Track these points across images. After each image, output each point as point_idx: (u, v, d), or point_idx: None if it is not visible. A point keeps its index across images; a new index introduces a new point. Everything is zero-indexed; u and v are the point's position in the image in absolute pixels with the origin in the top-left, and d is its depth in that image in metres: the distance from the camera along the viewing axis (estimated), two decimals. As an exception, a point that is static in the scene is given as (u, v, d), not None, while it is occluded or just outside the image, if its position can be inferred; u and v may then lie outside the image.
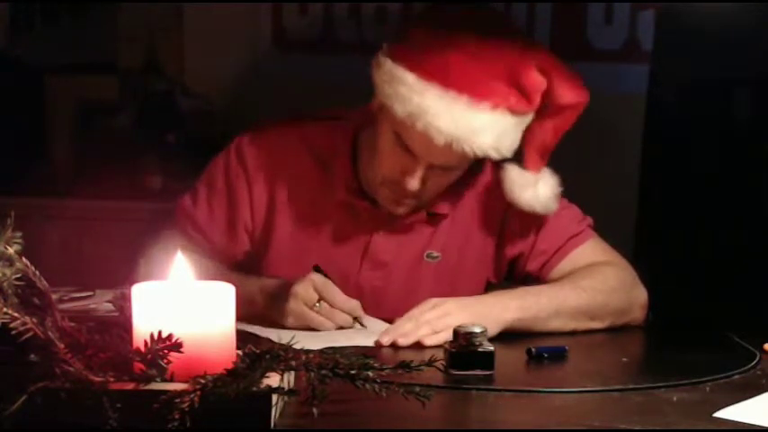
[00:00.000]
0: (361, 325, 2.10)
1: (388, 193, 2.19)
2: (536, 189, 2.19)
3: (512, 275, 2.32)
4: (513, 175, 2.19)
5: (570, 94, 2.13)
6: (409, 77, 2.08)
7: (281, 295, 2.08)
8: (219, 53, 3.47)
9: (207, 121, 3.49)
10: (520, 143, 2.16)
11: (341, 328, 2.08)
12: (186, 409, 1.37)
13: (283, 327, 2.06)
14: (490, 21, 2.19)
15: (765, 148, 2.83)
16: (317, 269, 2.12)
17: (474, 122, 2.05)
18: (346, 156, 2.25)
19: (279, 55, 3.49)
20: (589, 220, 2.32)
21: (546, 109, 2.13)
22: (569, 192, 2.30)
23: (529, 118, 2.13)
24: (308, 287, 2.08)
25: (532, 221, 2.26)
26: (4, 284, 1.45)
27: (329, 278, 2.11)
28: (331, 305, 2.08)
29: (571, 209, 2.30)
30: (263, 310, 2.10)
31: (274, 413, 1.45)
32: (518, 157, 2.20)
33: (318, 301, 2.08)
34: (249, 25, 3.49)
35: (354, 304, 2.10)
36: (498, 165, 2.21)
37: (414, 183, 2.13)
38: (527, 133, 2.15)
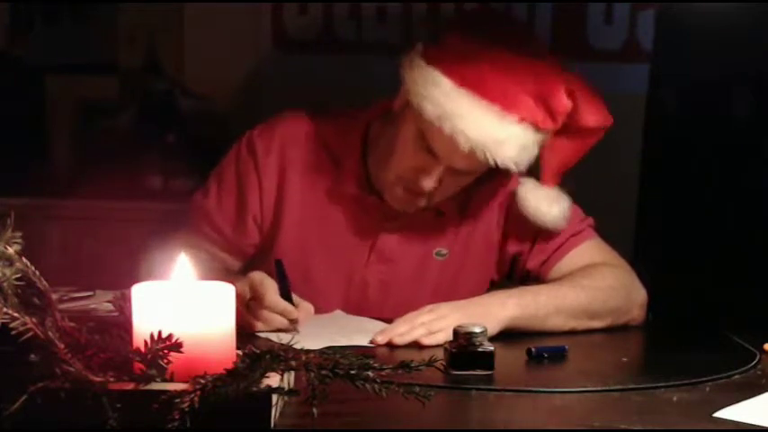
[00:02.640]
0: (296, 331, 2.03)
1: (400, 192, 2.20)
2: (550, 205, 2.23)
3: (512, 274, 2.33)
4: (530, 187, 2.23)
5: (594, 119, 2.16)
6: (444, 81, 2.10)
7: None
8: (219, 53, 3.46)
9: (207, 121, 3.49)
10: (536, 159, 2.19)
11: (280, 330, 2.02)
12: (186, 409, 1.37)
13: None
14: (523, 36, 2.23)
15: (765, 148, 2.83)
16: (278, 264, 2.09)
17: (501, 133, 2.08)
18: (357, 151, 2.27)
19: (279, 55, 3.49)
20: (590, 220, 2.32)
21: (568, 129, 2.16)
22: (569, 192, 2.31)
23: (548, 136, 2.16)
24: (245, 285, 2.04)
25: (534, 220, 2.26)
26: (4, 284, 1.45)
27: (285, 276, 2.07)
28: (259, 305, 2.04)
29: (573, 208, 2.31)
30: None
31: (274, 413, 1.45)
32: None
33: (251, 299, 2.05)
34: (249, 25, 3.48)
35: (285, 306, 2.04)
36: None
37: (429, 182, 2.14)
38: (546, 150, 2.18)
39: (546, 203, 2.23)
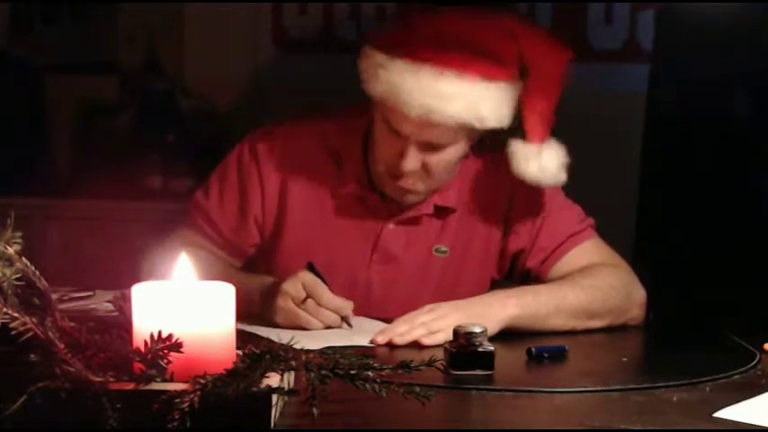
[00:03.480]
0: (348, 325, 2.09)
1: (393, 184, 2.21)
2: (540, 160, 2.17)
3: (512, 272, 2.33)
4: (517, 148, 2.18)
5: (548, 53, 2.13)
6: (380, 57, 2.12)
7: (272, 293, 2.09)
8: (219, 53, 3.47)
9: (207, 121, 3.50)
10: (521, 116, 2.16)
11: (330, 327, 2.07)
12: (186, 409, 1.37)
13: (277, 325, 2.07)
14: (469, 4, 2.19)
15: (765, 148, 2.83)
16: (311, 267, 2.12)
17: (440, 90, 2.07)
18: (358, 150, 2.27)
19: (279, 55, 3.49)
20: (591, 220, 2.32)
21: (530, 75, 2.13)
22: (569, 192, 2.31)
23: (511, 86, 2.13)
24: (297, 284, 2.08)
25: (535, 218, 2.27)
26: (4, 284, 1.45)
27: (321, 276, 2.11)
28: (317, 303, 2.08)
29: (573, 209, 2.31)
30: (259, 308, 2.10)
31: (274, 413, 1.45)
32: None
33: (306, 298, 2.08)
34: (249, 25, 3.49)
35: (340, 303, 2.10)
36: (502, 160, 2.20)
37: (408, 163, 2.14)
38: (523, 106, 2.15)
39: (524, 160, 2.17)
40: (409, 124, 2.11)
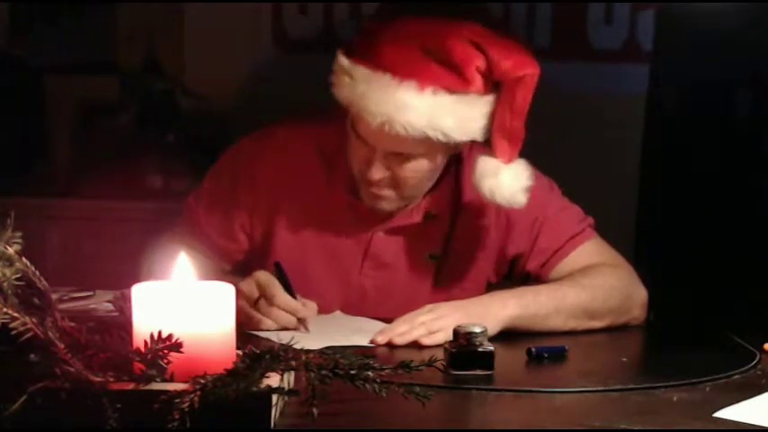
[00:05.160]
0: (305, 329, 2.06)
1: (365, 188, 2.19)
2: (497, 178, 2.11)
3: (511, 275, 2.32)
4: (479, 161, 2.13)
5: (514, 66, 2.06)
6: (344, 61, 2.11)
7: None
8: (219, 53, 3.47)
9: (207, 121, 3.49)
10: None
11: (286, 329, 2.04)
12: (186, 409, 1.37)
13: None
14: (435, 9, 2.14)
15: (765, 148, 2.83)
16: (277, 267, 2.10)
17: (400, 101, 2.03)
18: (346, 155, 2.25)
19: (279, 55, 3.49)
20: (590, 220, 2.32)
21: (497, 88, 2.08)
22: (569, 192, 2.31)
23: (480, 99, 2.07)
24: (251, 284, 2.07)
25: (533, 221, 2.26)
26: (4, 284, 1.45)
27: (285, 277, 2.09)
28: (269, 303, 2.05)
29: (572, 209, 2.30)
30: None
31: (274, 413, 1.45)
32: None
33: (259, 298, 2.06)
34: (249, 25, 3.49)
35: (294, 305, 2.06)
36: None
37: (374, 172, 2.12)
38: (492, 120, 2.09)
39: (493, 177, 2.11)
40: (373, 133, 2.08)
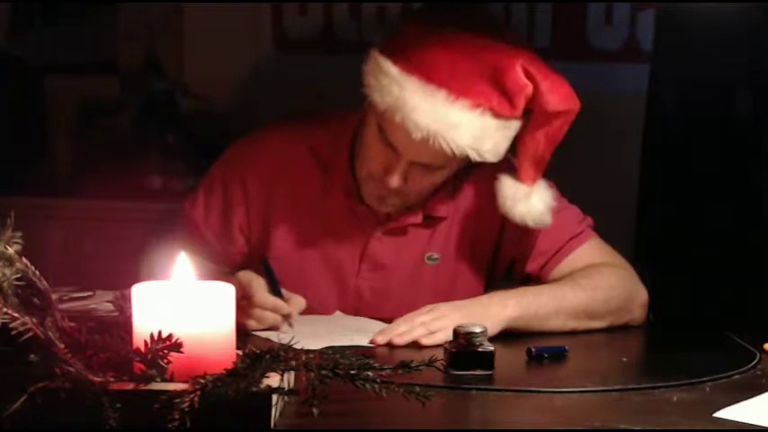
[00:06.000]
0: (289, 325, 2.05)
1: (372, 189, 2.18)
2: (528, 203, 2.15)
3: (511, 276, 2.32)
4: (507, 187, 2.15)
5: (558, 101, 2.09)
6: (392, 69, 2.07)
7: None
8: (219, 53, 3.47)
9: (207, 121, 3.49)
10: (515, 153, 2.15)
11: (272, 328, 2.03)
12: (186, 409, 1.37)
13: None
14: (481, 20, 2.15)
15: (765, 148, 2.83)
16: (265, 264, 2.10)
17: (451, 118, 2.03)
18: (345, 158, 2.25)
19: (279, 55, 3.49)
20: (589, 220, 2.31)
21: (535, 117, 2.10)
22: (569, 192, 2.30)
23: (515, 124, 2.10)
24: (233, 285, 2.05)
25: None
26: (4, 284, 1.45)
27: (272, 275, 2.08)
28: (249, 302, 2.04)
29: (571, 209, 2.30)
30: None
31: (274, 413, 1.45)
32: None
33: (241, 298, 2.03)
34: (249, 25, 3.49)
35: (275, 303, 2.05)
36: (496, 171, 2.19)
37: (394, 180, 2.11)
38: (520, 144, 2.13)
39: (511, 200, 2.15)
40: (409, 144, 2.07)
